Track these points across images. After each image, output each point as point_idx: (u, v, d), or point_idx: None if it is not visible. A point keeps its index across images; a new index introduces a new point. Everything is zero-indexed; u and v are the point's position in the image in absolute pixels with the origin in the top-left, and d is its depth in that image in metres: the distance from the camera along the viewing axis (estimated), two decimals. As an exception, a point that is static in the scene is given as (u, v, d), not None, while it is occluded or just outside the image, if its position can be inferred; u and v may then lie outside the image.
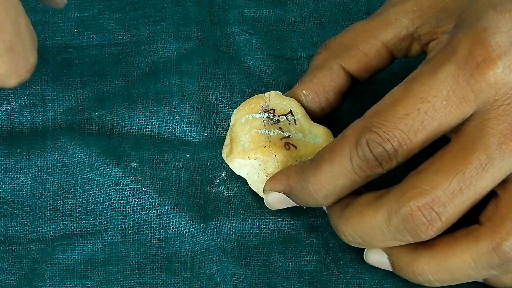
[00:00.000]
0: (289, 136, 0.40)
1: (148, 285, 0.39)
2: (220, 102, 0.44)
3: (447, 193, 0.33)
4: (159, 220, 0.40)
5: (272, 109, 0.41)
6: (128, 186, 0.41)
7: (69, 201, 0.41)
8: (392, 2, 0.40)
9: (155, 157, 0.42)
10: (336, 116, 0.43)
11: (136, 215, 0.41)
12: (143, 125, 0.43)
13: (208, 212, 0.41)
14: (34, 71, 0.45)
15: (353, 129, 0.35)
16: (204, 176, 0.42)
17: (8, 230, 0.40)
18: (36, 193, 0.41)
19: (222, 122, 0.44)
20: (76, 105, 0.44)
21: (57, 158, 0.42)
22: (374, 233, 0.35)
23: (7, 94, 0.44)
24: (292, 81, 0.45)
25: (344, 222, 0.36)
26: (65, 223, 0.40)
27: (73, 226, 0.40)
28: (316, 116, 0.41)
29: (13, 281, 0.39)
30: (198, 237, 0.40)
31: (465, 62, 0.33)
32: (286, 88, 0.44)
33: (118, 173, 0.41)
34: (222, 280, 0.39)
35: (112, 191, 0.41)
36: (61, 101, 0.44)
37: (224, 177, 0.42)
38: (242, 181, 0.41)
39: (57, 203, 0.41)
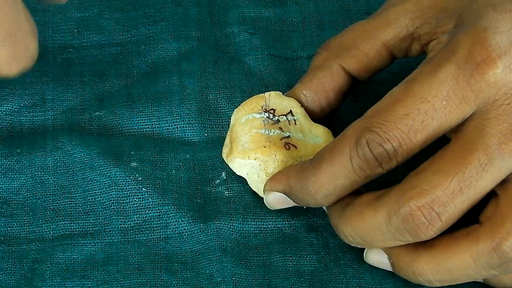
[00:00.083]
0: (289, 136, 0.40)
1: (148, 285, 0.39)
2: (220, 102, 0.44)
3: (447, 193, 0.33)
4: (159, 220, 0.40)
5: (272, 109, 0.41)
6: (128, 186, 0.41)
7: (69, 201, 0.41)
8: (392, 2, 0.40)
9: (155, 157, 0.42)
10: (336, 116, 0.43)
11: (136, 215, 0.41)
12: (143, 125, 0.43)
13: (208, 212, 0.41)
14: (34, 71, 0.45)
15: (353, 129, 0.35)
16: (204, 176, 0.42)
17: (8, 230, 0.40)
18: (36, 193, 0.41)
19: (222, 122, 0.44)
20: (76, 105, 0.44)
21: (57, 158, 0.42)
22: (374, 233, 0.35)
23: (7, 94, 0.44)
24: (292, 81, 0.45)
25: (344, 222, 0.36)
26: (65, 223, 0.40)
27: (73, 226, 0.40)
28: (316, 116, 0.41)
29: (13, 281, 0.39)
30: (198, 237, 0.40)
31: (465, 62, 0.33)
32: (286, 88, 0.44)
33: (118, 173, 0.41)
34: (222, 280, 0.39)
35: (112, 191, 0.41)
36: (61, 101, 0.44)
37: (224, 177, 0.42)
38: (242, 181, 0.41)
39: (57, 203, 0.41)
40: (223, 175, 0.42)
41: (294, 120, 0.40)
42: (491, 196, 0.34)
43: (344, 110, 0.43)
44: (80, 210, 0.41)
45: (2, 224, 0.40)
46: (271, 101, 0.41)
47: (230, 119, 0.42)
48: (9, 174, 0.42)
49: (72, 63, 0.46)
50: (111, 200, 0.41)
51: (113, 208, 0.41)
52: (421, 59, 0.37)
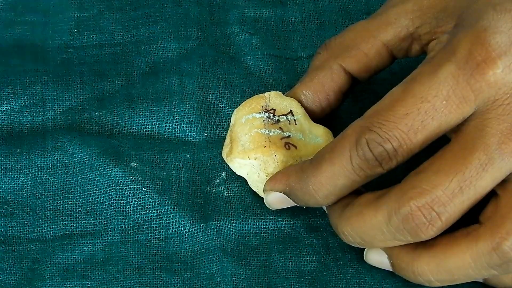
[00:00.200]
0: (289, 136, 0.40)
1: (148, 285, 0.39)
2: (220, 102, 0.44)
3: (447, 193, 0.33)
4: (159, 220, 0.40)
5: (272, 109, 0.41)
6: (128, 186, 0.41)
7: (69, 201, 0.41)
8: (392, 2, 0.40)
9: (155, 157, 0.42)
10: (336, 116, 0.43)
11: (136, 215, 0.41)
12: (143, 125, 0.43)
13: (208, 212, 0.41)
14: (34, 71, 0.45)
15: (353, 129, 0.35)
16: (204, 176, 0.42)
17: (8, 230, 0.40)
18: (36, 193, 0.41)
19: (222, 122, 0.44)
20: (76, 105, 0.44)
21: (57, 158, 0.42)
22: (374, 233, 0.35)
23: (7, 94, 0.44)
24: (292, 81, 0.45)
25: (344, 222, 0.36)
26: (65, 223, 0.40)
27: (73, 226, 0.40)
28: (316, 116, 0.41)
29: (13, 281, 0.39)
30: (198, 237, 0.40)
31: (465, 62, 0.33)
32: (286, 88, 0.44)
33: (118, 173, 0.41)
34: (222, 280, 0.39)
35: (112, 191, 0.41)
36: (61, 101, 0.44)
37: (224, 177, 0.42)
38: (242, 181, 0.41)
39: (57, 203, 0.41)
40: (223, 175, 0.42)
41: (294, 120, 0.40)
42: (491, 196, 0.34)
43: (344, 110, 0.43)
44: (80, 210, 0.41)
45: (2, 224, 0.40)
46: (271, 101, 0.41)
47: (230, 119, 0.42)
48: (9, 174, 0.42)
49: (72, 63, 0.46)
50: (111, 200, 0.41)
51: (113, 208, 0.41)
52: (421, 59, 0.37)
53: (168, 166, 0.42)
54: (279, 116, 0.40)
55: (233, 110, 0.42)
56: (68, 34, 0.47)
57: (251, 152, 0.39)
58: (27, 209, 0.41)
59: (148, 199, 0.41)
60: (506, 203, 0.34)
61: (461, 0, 0.37)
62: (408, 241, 0.34)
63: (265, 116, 0.40)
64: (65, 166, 0.42)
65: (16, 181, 0.41)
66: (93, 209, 0.41)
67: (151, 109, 0.44)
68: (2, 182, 0.41)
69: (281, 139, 0.40)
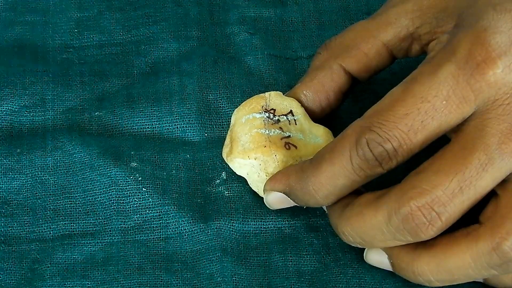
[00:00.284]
0: (289, 136, 0.40)
1: (148, 285, 0.39)
2: (220, 102, 0.44)
3: (447, 193, 0.33)
4: (159, 220, 0.40)
5: (272, 109, 0.41)
6: (128, 186, 0.41)
7: (69, 201, 0.41)
8: (392, 2, 0.40)
9: (155, 157, 0.42)
10: (336, 116, 0.43)
11: (136, 215, 0.41)
12: (143, 125, 0.43)
13: (208, 212, 0.41)
14: (34, 71, 0.45)
15: (353, 129, 0.35)
16: (204, 176, 0.42)
17: (8, 230, 0.40)
18: (36, 193, 0.41)
19: (222, 122, 0.44)
20: (76, 105, 0.44)
21: (57, 158, 0.42)
22: (374, 233, 0.35)
23: (7, 94, 0.44)
24: (292, 81, 0.45)
25: (344, 222, 0.36)
26: (65, 223, 0.40)
27: (73, 226, 0.40)
28: (316, 116, 0.41)
29: (13, 281, 0.39)
30: (198, 237, 0.40)
31: (465, 62, 0.33)
32: (286, 88, 0.44)
33: (118, 173, 0.41)
34: (222, 280, 0.39)
35: (112, 191, 0.41)
36: (61, 101, 0.44)
37: (224, 177, 0.42)
38: (242, 181, 0.41)
39: (57, 203, 0.41)
40: (223, 175, 0.42)
41: (294, 120, 0.40)
42: (491, 196, 0.34)
43: (344, 110, 0.43)
44: (80, 210, 0.41)
45: (2, 224, 0.40)
46: (271, 101, 0.41)
47: (230, 119, 0.42)
48: (9, 174, 0.42)
49: (72, 63, 0.46)
50: (111, 200, 0.41)
51: (113, 208, 0.41)
52: (421, 59, 0.37)
53: (168, 166, 0.42)
54: (279, 116, 0.40)
55: (233, 110, 0.42)
56: (68, 34, 0.47)
57: (251, 152, 0.39)
58: (27, 209, 0.41)
59: (148, 199, 0.41)
60: (506, 203, 0.34)
61: (461, 0, 0.37)
62: (408, 241, 0.34)
63: (265, 116, 0.40)
64: (65, 166, 0.42)
65: (16, 181, 0.41)
66: (93, 209, 0.41)
67: (151, 109, 0.44)
68: (2, 182, 0.41)
69: (281, 139, 0.40)
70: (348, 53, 0.40)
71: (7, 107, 0.44)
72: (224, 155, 0.41)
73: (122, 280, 0.39)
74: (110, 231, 0.40)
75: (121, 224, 0.40)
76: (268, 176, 0.39)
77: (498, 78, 0.33)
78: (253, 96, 0.42)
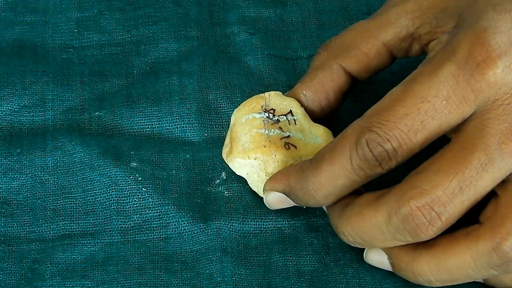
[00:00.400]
0: (289, 136, 0.40)
1: (148, 285, 0.39)
2: (220, 102, 0.44)
3: (447, 193, 0.33)
4: (159, 220, 0.40)
5: (272, 109, 0.41)
6: (128, 186, 0.41)
7: (69, 201, 0.41)
8: (392, 2, 0.40)
9: (155, 157, 0.42)
10: (336, 116, 0.43)
11: (136, 215, 0.41)
12: (143, 125, 0.43)
13: (208, 212, 0.41)
14: (34, 71, 0.45)
15: (353, 129, 0.35)
16: (204, 176, 0.42)
17: (8, 230, 0.40)
18: (36, 193, 0.41)
19: (222, 122, 0.44)
20: (76, 105, 0.44)
21: (57, 158, 0.42)
22: (374, 233, 0.35)
23: (7, 94, 0.44)
24: (292, 81, 0.45)
25: (344, 222, 0.36)
26: (65, 223, 0.40)
27: (73, 226, 0.40)
28: (316, 116, 0.41)
29: (13, 281, 0.39)
30: (198, 237, 0.40)
31: (465, 62, 0.33)
32: (286, 88, 0.44)
33: (118, 173, 0.41)
34: (222, 280, 0.39)
35: (112, 191, 0.41)
36: (61, 101, 0.44)
37: (224, 177, 0.42)
38: (242, 181, 0.41)
39: (57, 203, 0.41)
40: (223, 175, 0.42)
41: (294, 120, 0.40)
42: (491, 196, 0.34)
43: (344, 110, 0.43)
44: (80, 210, 0.41)
45: (2, 224, 0.40)
46: (271, 101, 0.41)
47: (230, 119, 0.42)
48: (9, 174, 0.42)
49: (72, 63, 0.46)
50: (111, 200, 0.41)
51: (113, 208, 0.41)
52: (421, 59, 0.37)
53: (168, 166, 0.42)
54: (279, 116, 0.40)
55: (233, 110, 0.42)
56: (68, 34, 0.47)
57: (251, 152, 0.39)
58: (27, 209, 0.41)
59: (148, 199, 0.41)
60: (506, 203, 0.34)
61: (461, 0, 0.37)
62: (408, 241, 0.34)
63: (265, 116, 0.40)
64: (65, 166, 0.42)
65: (16, 181, 0.41)
66: (93, 209, 0.41)
67: (151, 109, 0.44)
68: (2, 182, 0.41)
69: (281, 139, 0.40)
70: (348, 53, 0.40)
71: (7, 107, 0.44)
72: (224, 155, 0.41)
73: (122, 280, 0.39)
74: (110, 231, 0.40)
75: (121, 224, 0.40)
76: (268, 176, 0.39)
77: (498, 78, 0.33)
78: (253, 96, 0.42)
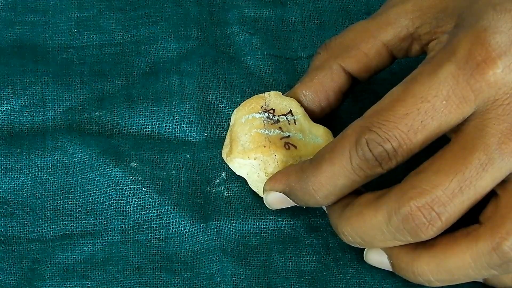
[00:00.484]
0: (289, 136, 0.40)
1: (148, 285, 0.39)
2: (220, 102, 0.44)
3: (447, 193, 0.33)
4: (159, 220, 0.40)
5: (272, 109, 0.41)
6: (128, 186, 0.41)
7: (69, 201, 0.41)
8: (392, 2, 0.40)
9: (155, 157, 0.42)
10: (336, 116, 0.43)
11: (136, 215, 0.41)
12: (143, 125, 0.43)
13: (208, 212, 0.41)
14: (34, 71, 0.45)
15: (352, 129, 0.35)
16: (204, 176, 0.42)
17: (8, 230, 0.40)
18: (36, 193, 0.41)
19: (222, 122, 0.44)
20: (76, 105, 0.44)
21: (57, 158, 0.42)
22: (374, 233, 0.35)
23: (7, 94, 0.44)
24: (292, 81, 0.45)
25: (344, 222, 0.36)
26: (65, 223, 0.40)
27: (73, 226, 0.40)
28: (316, 116, 0.41)
29: (13, 281, 0.39)
30: (198, 237, 0.40)
31: (465, 62, 0.33)
32: (286, 88, 0.44)
33: (118, 173, 0.41)
34: (222, 280, 0.39)
35: (112, 191, 0.41)
36: (61, 101, 0.44)
37: (224, 177, 0.42)
38: (242, 181, 0.41)
39: (57, 203, 0.41)
40: (223, 175, 0.42)
41: (294, 120, 0.40)
42: (491, 196, 0.34)
43: (344, 110, 0.43)
44: (80, 210, 0.41)
45: (2, 224, 0.40)
46: (271, 101, 0.41)
47: (230, 119, 0.42)
48: (9, 174, 0.42)
49: (72, 63, 0.46)
50: (111, 200, 0.41)
51: (113, 208, 0.41)
52: (421, 59, 0.37)
53: (168, 166, 0.42)
54: (278, 116, 0.40)
55: (233, 110, 0.42)
56: (68, 34, 0.47)
57: (251, 152, 0.39)
58: (27, 209, 0.41)
59: (148, 199, 0.41)
60: (506, 203, 0.34)
61: (461, 0, 0.37)
62: (408, 241, 0.34)
63: (264, 116, 0.40)
64: (65, 166, 0.42)
65: (16, 181, 0.41)
66: (93, 209, 0.41)
67: (151, 109, 0.44)
68: (2, 182, 0.41)
69: (281, 139, 0.40)
70: (348, 53, 0.40)
71: (7, 107, 0.44)
72: (223, 155, 0.41)
73: (122, 280, 0.39)
74: (110, 231, 0.40)
75: (121, 224, 0.40)
76: (268, 176, 0.39)
77: (498, 78, 0.33)
78: (253, 96, 0.42)
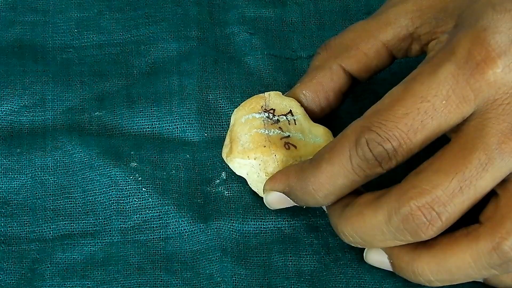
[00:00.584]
0: (289, 136, 0.40)
1: (148, 285, 0.39)
2: (220, 102, 0.44)
3: (447, 193, 0.33)
4: (159, 220, 0.40)
5: (272, 109, 0.41)
6: (128, 186, 0.41)
7: (69, 201, 0.41)
8: (392, 2, 0.40)
9: (155, 157, 0.42)
10: (336, 116, 0.43)
11: (136, 215, 0.41)
12: (143, 125, 0.43)
13: (208, 212, 0.41)
14: (34, 71, 0.45)
15: (352, 128, 0.35)
16: (204, 176, 0.42)
17: (8, 230, 0.40)
18: (36, 193, 0.41)
19: (222, 122, 0.44)
20: (76, 105, 0.44)
21: (57, 158, 0.42)
22: (374, 233, 0.35)
23: (7, 94, 0.44)
24: (292, 81, 0.45)
25: (344, 222, 0.36)
26: (65, 223, 0.40)
27: (73, 226, 0.40)
28: (316, 116, 0.41)
29: (13, 281, 0.39)
30: (198, 237, 0.40)
31: (464, 62, 0.33)
32: (286, 88, 0.44)
33: (118, 173, 0.41)
34: (222, 280, 0.39)
35: (112, 191, 0.41)
36: (61, 101, 0.44)
37: (224, 177, 0.42)
38: (242, 181, 0.41)
39: (57, 203, 0.41)
40: (223, 175, 0.42)
41: (294, 120, 0.40)
42: (491, 196, 0.34)
43: (344, 110, 0.43)
44: (80, 210, 0.41)
45: (2, 224, 0.40)
46: (271, 101, 0.41)
47: (230, 119, 0.42)
48: (9, 174, 0.42)
49: (72, 63, 0.46)
50: (111, 200, 0.41)
51: (113, 208, 0.41)
52: (421, 59, 0.37)
53: (168, 166, 0.42)
54: (278, 116, 0.40)
55: (233, 110, 0.42)
56: (68, 34, 0.47)
57: (251, 152, 0.39)
58: (27, 209, 0.41)
59: (148, 199, 0.41)
60: (506, 203, 0.34)
61: (461, 0, 0.37)
62: (408, 241, 0.34)
63: (264, 116, 0.40)
64: (65, 166, 0.42)
65: (16, 181, 0.41)
66: (93, 209, 0.41)
67: (151, 109, 0.44)
68: (2, 182, 0.41)
69: (281, 139, 0.40)
70: (347, 53, 0.40)
71: (7, 107, 0.44)
72: (223, 155, 0.41)
73: (122, 280, 0.39)
74: (110, 231, 0.40)
75: (121, 224, 0.40)
76: (268, 176, 0.39)
77: (497, 77, 0.33)
78: (253, 96, 0.42)
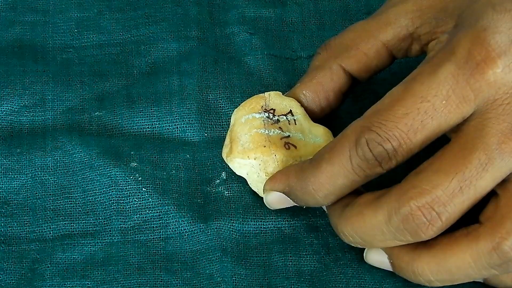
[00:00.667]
0: (289, 136, 0.40)
1: (148, 285, 0.39)
2: (220, 102, 0.44)
3: (447, 193, 0.33)
4: (159, 220, 0.40)
5: (272, 109, 0.41)
6: (128, 186, 0.41)
7: (69, 201, 0.41)
8: (392, 2, 0.40)
9: (155, 157, 0.42)
10: (336, 116, 0.43)
11: (136, 215, 0.41)
12: (143, 125, 0.43)
13: (208, 212, 0.41)
14: (34, 71, 0.45)
15: (352, 128, 0.35)
16: (204, 176, 0.42)
17: (8, 230, 0.40)
18: (36, 193, 0.41)
19: (222, 122, 0.44)
20: (76, 105, 0.44)
21: (57, 158, 0.42)
22: (374, 233, 0.35)
23: (7, 94, 0.44)
24: (292, 81, 0.45)
25: (344, 222, 0.36)
26: (65, 223, 0.40)
27: (73, 226, 0.40)
28: (316, 116, 0.41)
29: (13, 281, 0.39)
30: (198, 237, 0.40)
31: (464, 62, 0.33)
32: (286, 88, 0.44)
33: (118, 173, 0.41)
34: (222, 280, 0.39)
35: (112, 191, 0.41)
36: (61, 101, 0.44)
37: (224, 177, 0.42)
38: (242, 181, 0.41)
39: (57, 203, 0.41)
40: (223, 175, 0.42)
41: (294, 120, 0.40)
42: (491, 196, 0.34)
43: (344, 110, 0.43)
44: (80, 210, 0.41)
45: (2, 224, 0.40)
46: (271, 101, 0.41)
47: (230, 119, 0.42)
48: (9, 174, 0.42)
49: (72, 63, 0.46)
50: (111, 200, 0.41)
51: (113, 208, 0.41)
52: (421, 59, 0.37)
53: (168, 166, 0.42)
54: (278, 116, 0.40)
55: (233, 110, 0.42)
56: (68, 34, 0.47)
57: (251, 152, 0.39)
58: (27, 209, 0.41)
59: (148, 199, 0.41)
60: (506, 203, 0.34)
61: (461, 0, 0.37)
62: (408, 241, 0.34)
63: (264, 116, 0.40)
64: (65, 166, 0.42)
65: (16, 181, 0.41)
66: (93, 209, 0.41)
67: (151, 109, 0.44)
68: (2, 182, 0.41)
69: (281, 139, 0.40)
70: (347, 53, 0.40)
71: (7, 107, 0.44)
72: (223, 155, 0.41)
73: (122, 280, 0.39)
74: (110, 231, 0.40)
75: (121, 224, 0.40)
76: (268, 176, 0.39)
77: (497, 77, 0.33)
78: (253, 96, 0.42)
